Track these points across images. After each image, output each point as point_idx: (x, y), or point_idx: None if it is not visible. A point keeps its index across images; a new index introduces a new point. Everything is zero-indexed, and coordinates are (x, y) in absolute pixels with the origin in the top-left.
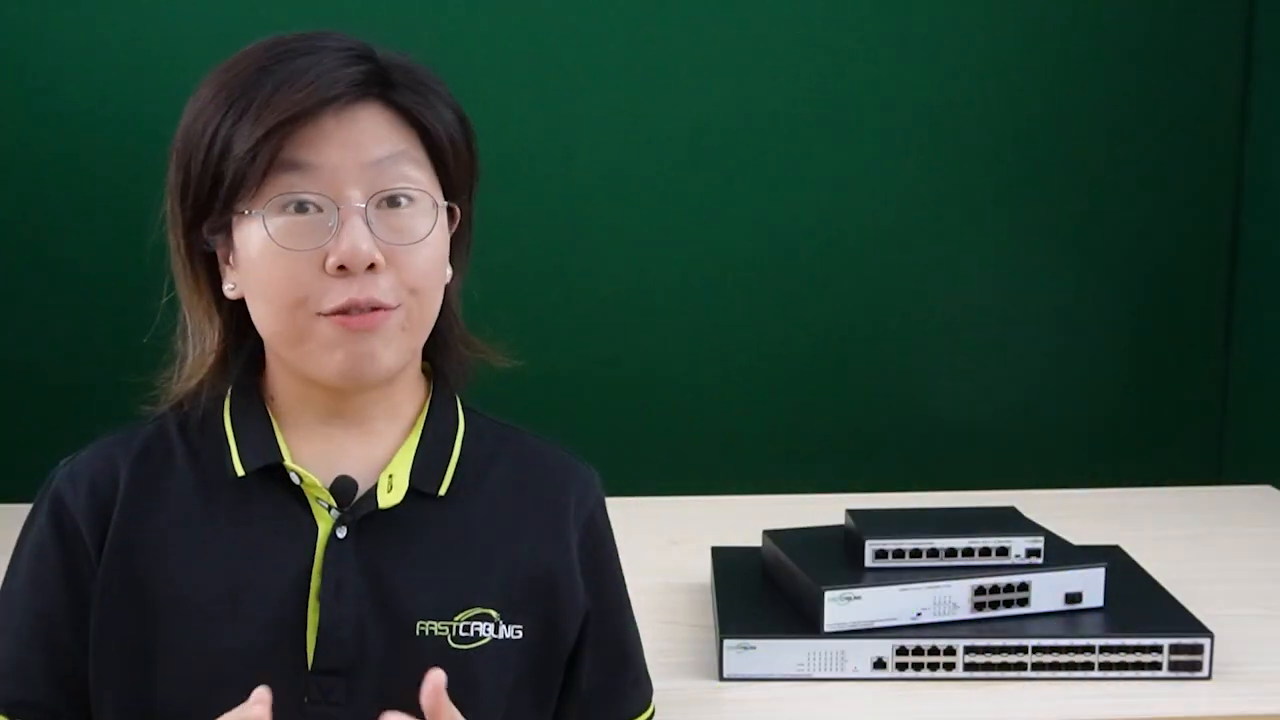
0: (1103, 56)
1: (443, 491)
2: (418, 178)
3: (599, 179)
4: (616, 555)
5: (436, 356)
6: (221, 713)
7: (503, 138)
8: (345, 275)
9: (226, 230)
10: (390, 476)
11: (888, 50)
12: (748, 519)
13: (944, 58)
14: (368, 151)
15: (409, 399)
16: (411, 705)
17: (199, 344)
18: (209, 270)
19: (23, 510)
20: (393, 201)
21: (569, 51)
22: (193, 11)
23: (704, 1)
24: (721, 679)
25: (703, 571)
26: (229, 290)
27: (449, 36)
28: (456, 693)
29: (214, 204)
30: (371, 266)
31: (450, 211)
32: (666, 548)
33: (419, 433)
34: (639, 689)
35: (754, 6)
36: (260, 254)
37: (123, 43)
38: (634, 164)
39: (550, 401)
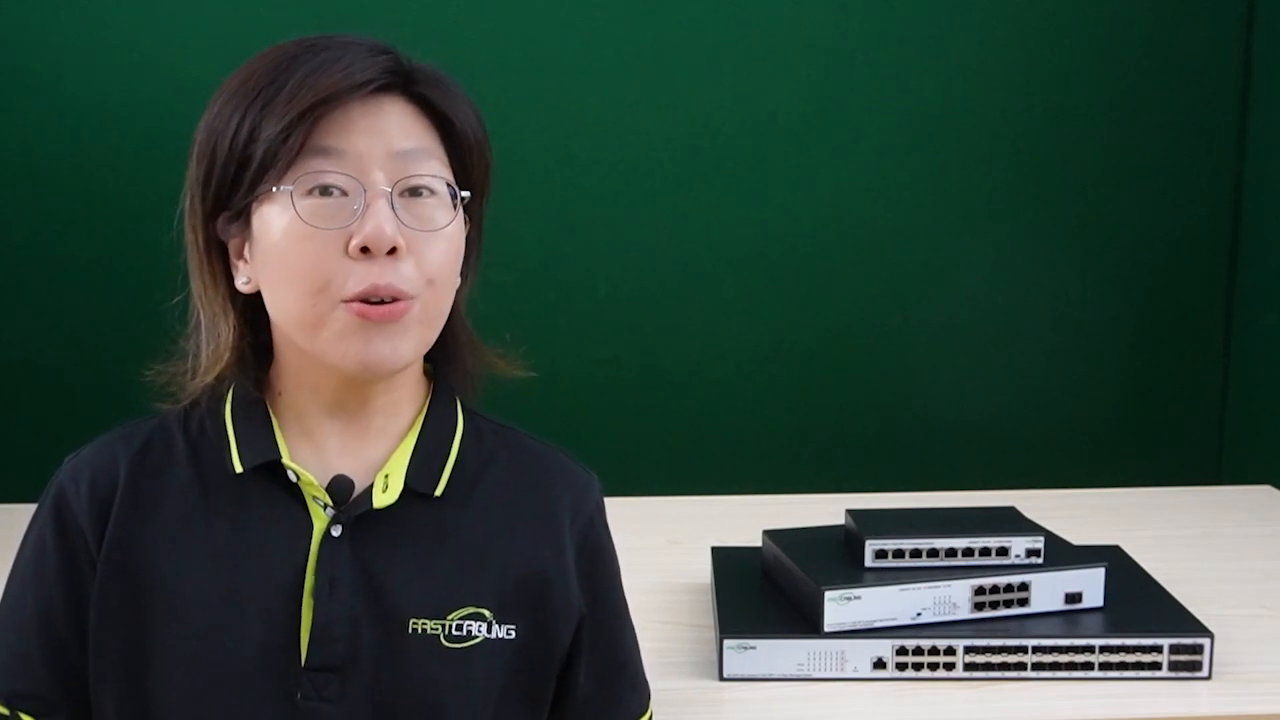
0: (1102, 57)
1: (438, 492)
2: (440, 170)
3: (599, 180)
4: (615, 561)
5: (441, 362)
6: (217, 707)
7: (503, 138)
8: (367, 258)
9: (245, 219)
10: (386, 476)
11: (888, 51)
12: (748, 519)
13: (944, 58)
14: (393, 141)
15: (410, 398)
16: (404, 703)
17: (213, 339)
18: (223, 264)
19: (22, 510)
20: (415, 192)
21: (569, 51)
22: (194, 11)
23: (704, 2)
24: (721, 679)
25: (703, 571)
26: (242, 285)
27: (449, 36)
28: (448, 691)
29: (238, 190)
30: (393, 251)
31: (466, 208)
32: (666, 548)
33: (417, 432)
34: (636, 695)
35: (754, 7)
36: (284, 235)
37: (124, 43)
38: (634, 164)
39: (550, 401)
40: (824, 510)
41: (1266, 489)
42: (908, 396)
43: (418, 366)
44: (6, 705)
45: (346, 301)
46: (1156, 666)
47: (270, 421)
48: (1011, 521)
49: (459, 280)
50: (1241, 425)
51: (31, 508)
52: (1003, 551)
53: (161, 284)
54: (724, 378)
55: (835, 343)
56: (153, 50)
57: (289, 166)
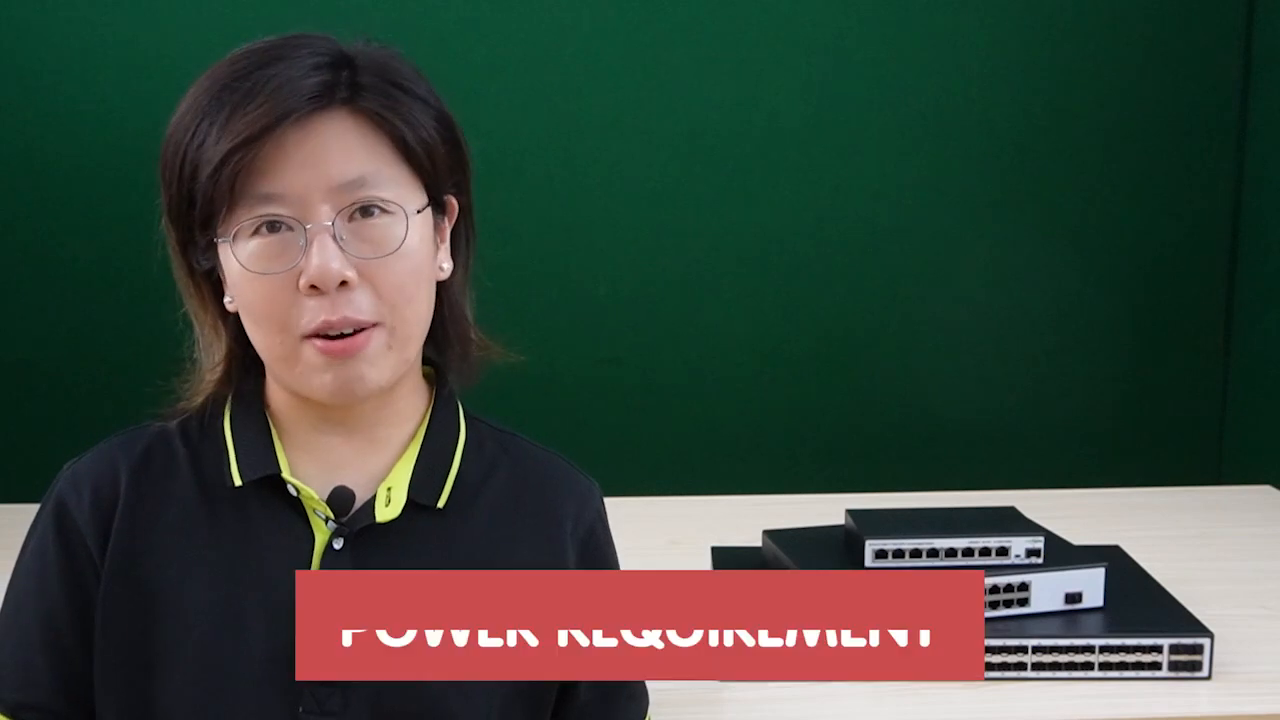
0: (1102, 57)
1: (441, 504)
2: (390, 189)
3: (599, 179)
4: (616, 568)
5: (439, 357)
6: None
7: (503, 138)
8: (318, 294)
9: (214, 249)
10: (389, 490)
11: (888, 50)
12: (748, 519)
13: (944, 57)
14: (333, 172)
15: (411, 406)
16: (406, 715)
17: (209, 357)
18: (211, 284)
19: (22, 510)
20: (365, 212)
21: (569, 51)
22: (193, 11)
23: (704, 2)
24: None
25: None
26: (228, 303)
27: (449, 36)
28: (450, 703)
29: (194, 225)
30: (344, 284)
31: (442, 205)
32: (666, 548)
33: (419, 443)
34: (635, 702)
35: (754, 7)
36: (238, 278)
37: (123, 43)
38: (634, 164)
39: (550, 401)
40: (824, 510)
41: (1266, 489)
42: (908, 397)
43: (416, 373)
44: (11, 717)
45: (307, 337)
46: (1156, 666)
47: (269, 432)
48: (1011, 521)
49: (443, 275)
50: (1241, 425)
51: (31, 508)
52: (1003, 551)
53: (161, 285)
54: (724, 378)
55: (835, 343)
56: (153, 50)
57: (229, 212)
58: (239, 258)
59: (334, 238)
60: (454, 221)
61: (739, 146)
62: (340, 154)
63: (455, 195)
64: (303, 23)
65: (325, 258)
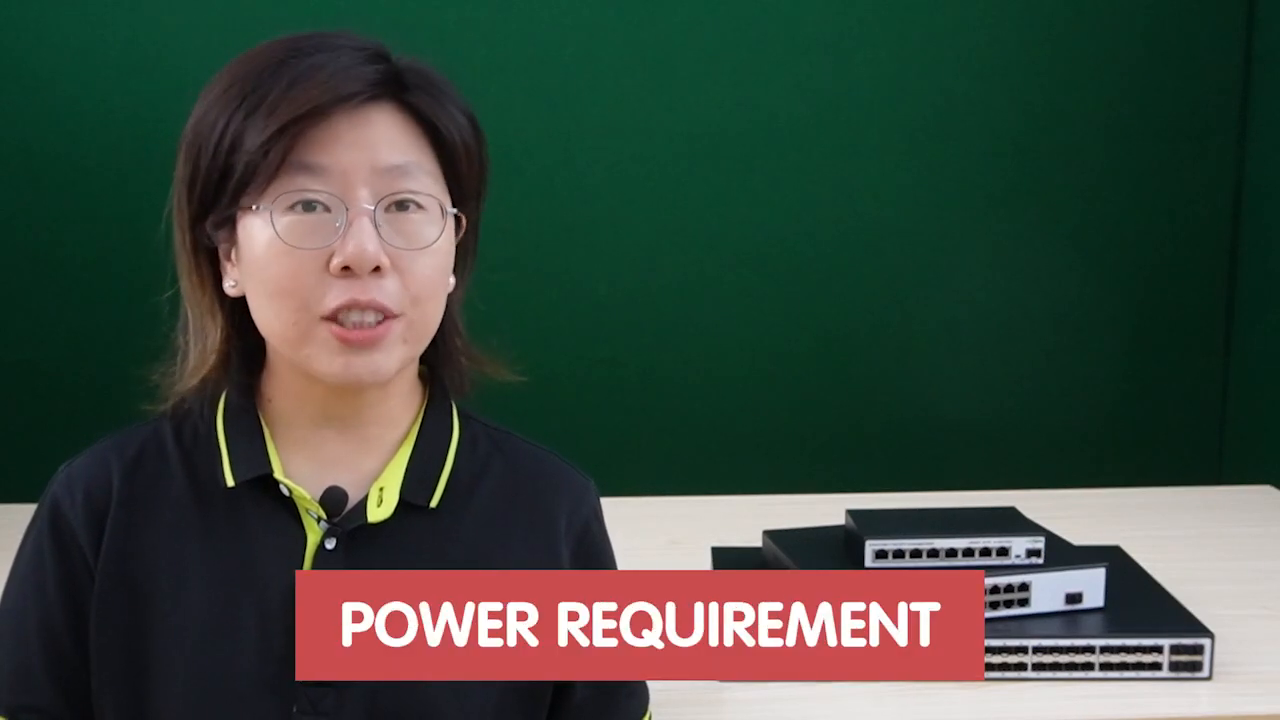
0: (1102, 57)
1: (434, 504)
2: (428, 185)
3: (599, 179)
4: (612, 565)
5: (436, 364)
6: None
7: (503, 138)
8: (349, 276)
9: (230, 226)
10: (381, 489)
11: (888, 51)
12: (748, 519)
13: (944, 58)
14: (380, 156)
15: (405, 405)
16: (401, 716)
17: (200, 341)
18: (212, 266)
19: (20, 510)
20: (401, 206)
21: (569, 51)
22: (193, 11)
23: (704, 2)
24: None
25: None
26: (229, 288)
27: (449, 36)
28: (445, 703)
29: (221, 198)
30: (376, 270)
31: (457, 219)
32: (666, 548)
33: (412, 443)
34: (635, 699)
35: (754, 7)
36: (265, 251)
37: (123, 43)
38: (634, 164)
39: (549, 401)
40: (824, 510)
41: (1266, 489)
42: (908, 396)
43: (412, 373)
44: (10, 717)
45: (326, 319)
46: (1157, 667)
47: (262, 431)
48: (1012, 521)
49: (449, 291)
50: (1241, 425)
51: (30, 508)
52: (1003, 552)
53: (160, 284)
54: (723, 378)
55: (835, 343)
56: (152, 50)
57: (269, 182)
58: (276, 227)
59: (373, 222)
60: (460, 237)
61: (739, 146)
62: (387, 142)
63: (470, 210)
64: (303, 23)
65: (363, 240)
